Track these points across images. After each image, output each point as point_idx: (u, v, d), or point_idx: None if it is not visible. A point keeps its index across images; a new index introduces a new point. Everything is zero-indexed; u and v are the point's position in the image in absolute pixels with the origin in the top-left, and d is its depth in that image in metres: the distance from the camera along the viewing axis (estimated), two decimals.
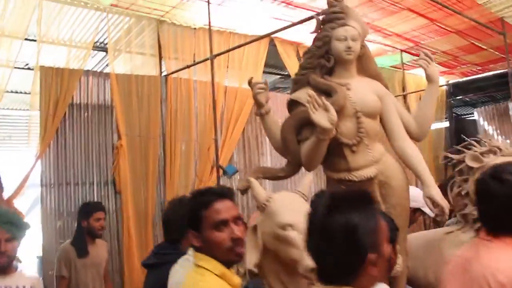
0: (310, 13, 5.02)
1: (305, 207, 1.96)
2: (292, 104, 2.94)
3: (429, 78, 3.00)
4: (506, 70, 6.51)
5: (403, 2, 5.59)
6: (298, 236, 1.86)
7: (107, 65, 6.12)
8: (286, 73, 7.02)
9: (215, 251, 1.78)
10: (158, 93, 5.36)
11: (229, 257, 1.80)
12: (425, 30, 6.61)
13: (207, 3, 4.79)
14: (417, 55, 7.64)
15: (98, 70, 6.13)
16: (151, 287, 2.41)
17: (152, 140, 5.18)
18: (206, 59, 5.00)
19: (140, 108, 5.20)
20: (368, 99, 2.84)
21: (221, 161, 5.29)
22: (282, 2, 5.33)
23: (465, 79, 9.47)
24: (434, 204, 2.65)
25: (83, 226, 4.03)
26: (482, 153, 2.66)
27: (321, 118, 2.45)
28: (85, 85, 5.02)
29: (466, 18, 5.68)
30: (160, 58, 5.60)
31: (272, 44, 6.42)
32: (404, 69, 8.22)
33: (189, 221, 1.82)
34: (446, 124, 10.20)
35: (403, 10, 5.83)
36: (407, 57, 7.83)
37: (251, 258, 2.01)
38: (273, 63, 7.32)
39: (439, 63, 8.40)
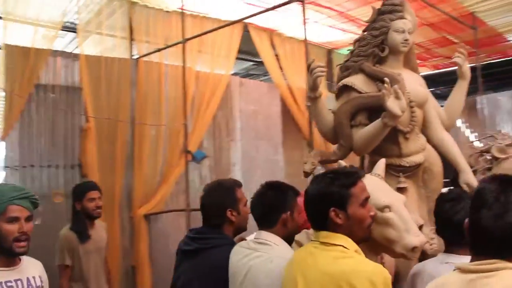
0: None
1: (391, 189, 2.14)
2: (344, 90, 2.99)
3: (463, 75, 3.30)
4: (475, 64, 6.61)
5: None
6: (395, 216, 1.97)
7: (77, 46, 6.00)
8: (259, 60, 6.96)
9: (357, 227, 1.82)
10: (128, 76, 5.28)
11: (366, 234, 1.86)
12: None
13: None
14: None
15: (69, 51, 5.99)
16: (200, 273, 2.28)
17: (121, 124, 5.09)
18: (178, 43, 4.94)
19: (109, 91, 5.11)
20: (419, 90, 2.98)
21: (190, 147, 5.25)
22: None
23: (436, 71, 9.58)
24: (471, 188, 2.79)
25: (78, 209, 3.79)
26: (507, 145, 3.01)
27: (394, 105, 2.56)
28: (52, 65, 4.91)
29: (439, 11, 5.73)
30: (131, 40, 5.50)
31: (246, 30, 6.36)
32: None
33: (331, 199, 1.80)
34: None
35: (377, 0, 5.82)
36: None
37: None
38: (247, 50, 7.28)
39: None
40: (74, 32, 5.59)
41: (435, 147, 3.09)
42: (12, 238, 2.04)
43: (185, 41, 4.70)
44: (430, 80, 9.79)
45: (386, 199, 2.02)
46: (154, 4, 5.54)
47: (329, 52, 7.88)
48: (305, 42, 3.89)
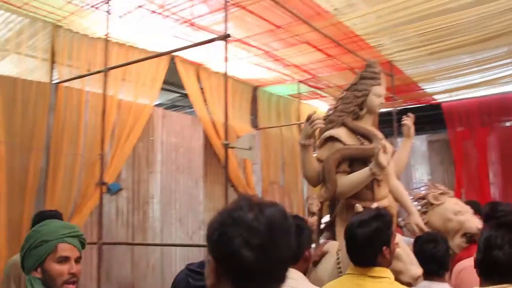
0: (212, 36, 5.05)
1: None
2: (329, 140, 3.38)
3: (410, 135, 3.93)
4: (391, 109, 6.97)
5: (303, 35, 5.79)
6: (403, 251, 2.37)
7: None
8: (185, 92, 6.94)
9: (391, 261, 2.23)
10: (46, 101, 5.05)
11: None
12: (322, 64, 6.90)
13: (106, 13, 4.66)
14: (314, 87, 7.99)
15: None
16: None
17: (34, 151, 4.85)
18: (100, 71, 4.82)
19: (24, 115, 4.87)
20: (388, 146, 3.31)
21: (108, 178, 5.11)
22: (185, 22, 5.31)
23: None
24: (419, 228, 3.42)
25: None
26: (441, 194, 3.62)
27: (384, 158, 2.99)
28: None
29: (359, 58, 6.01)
30: (52, 64, 5.31)
31: (172, 62, 6.35)
32: (300, 99, 8.49)
33: (383, 240, 2.16)
34: None
35: (303, 44, 6.04)
36: (304, 88, 8.10)
37: None
38: (173, 81, 7.26)
39: (334, 97, 8.75)
40: None
41: (391, 192, 3.51)
42: (62, 280, 1.88)
43: (107, 70, 4.60)
44: None
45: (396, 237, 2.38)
46: (79, 29, 5.41)
47: (255, 89, 8.02)
48: (225, 77, 4.00)
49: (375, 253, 2.14)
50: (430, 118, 9.46)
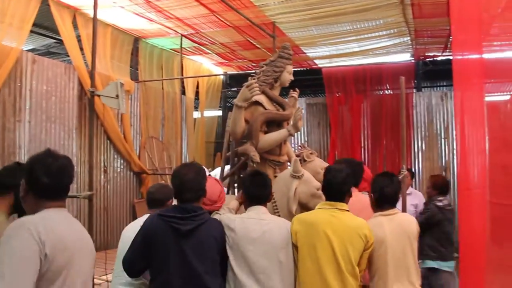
0: None
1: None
2: (253, 103, 3.98)
3: (295, 106, 4.37)
4: None
5: None
6: (322, 194, 3.13)
7: None
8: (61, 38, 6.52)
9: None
10: None
11: None
12: (206, 19, 6.83)
13: None
14: (198, 43, 7.90)
15: None
16: (207, 245, 2.67)
17: None
18: None
19: None
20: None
21: None
22: None
23: (240, 72, 10.08)
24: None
25: None
26: (311, 153, 4.38)
27: (300, 123, 3.86)
28: None
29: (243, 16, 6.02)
30: None
31: (46, 4, 5.93)
32: (183, 54, 8.37)
33: (351, 182, 3.00)
34: (220, 112, 10.73)
35: None
36: (187, 43, 7.99)
37: (293, 207, 3.37)
38: (48, 26, 6.83)
39: (218, 54, 8.76)
40: None
41: None
42: None
43: None
44: (233, 79, 10.34)
45: (318, 183, 3.39)
46: None
47: (136, 40, 7.77)
48: (94, 20, 3.91)
49: (347, 191, 2.94)
50: (310, 82, 9.83)
